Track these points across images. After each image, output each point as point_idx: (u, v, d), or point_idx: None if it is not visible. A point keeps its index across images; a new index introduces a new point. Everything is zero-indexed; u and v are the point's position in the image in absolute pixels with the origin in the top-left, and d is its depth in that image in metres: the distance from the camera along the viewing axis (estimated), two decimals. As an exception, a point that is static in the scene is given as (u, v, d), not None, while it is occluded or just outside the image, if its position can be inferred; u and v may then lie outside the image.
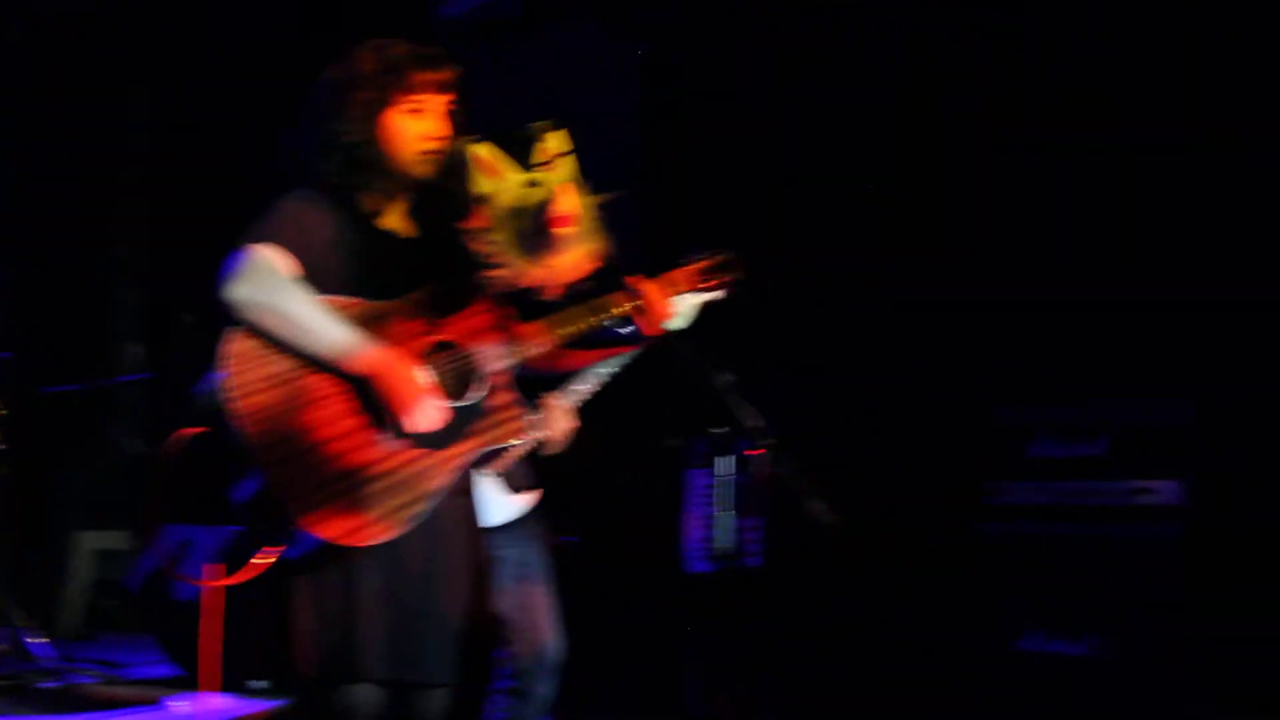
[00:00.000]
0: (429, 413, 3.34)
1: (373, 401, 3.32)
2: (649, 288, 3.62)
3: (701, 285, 3.78)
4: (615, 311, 3.57)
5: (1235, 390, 5.73)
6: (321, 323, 3.29)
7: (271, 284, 3.28)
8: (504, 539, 4.03)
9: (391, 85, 3.47)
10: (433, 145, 3.48)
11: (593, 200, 3.57)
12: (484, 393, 3.45)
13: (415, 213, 3.59)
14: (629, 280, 3.62)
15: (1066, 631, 5.59)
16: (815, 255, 6.59)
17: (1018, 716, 5.72)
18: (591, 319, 3.58)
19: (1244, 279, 6.04)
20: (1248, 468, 5.62)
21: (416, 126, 3.49)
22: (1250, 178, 6.05)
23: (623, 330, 3.65)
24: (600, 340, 3.69)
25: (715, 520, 5.74)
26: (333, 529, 3.21)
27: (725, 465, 5.62)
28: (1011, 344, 6.51)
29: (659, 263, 3.80)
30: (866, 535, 4.90)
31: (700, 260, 3.79)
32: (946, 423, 6.26)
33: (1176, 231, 6.22)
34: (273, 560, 3.31)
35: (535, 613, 4.42)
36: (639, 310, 3.57)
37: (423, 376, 3.36)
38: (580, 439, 4.26)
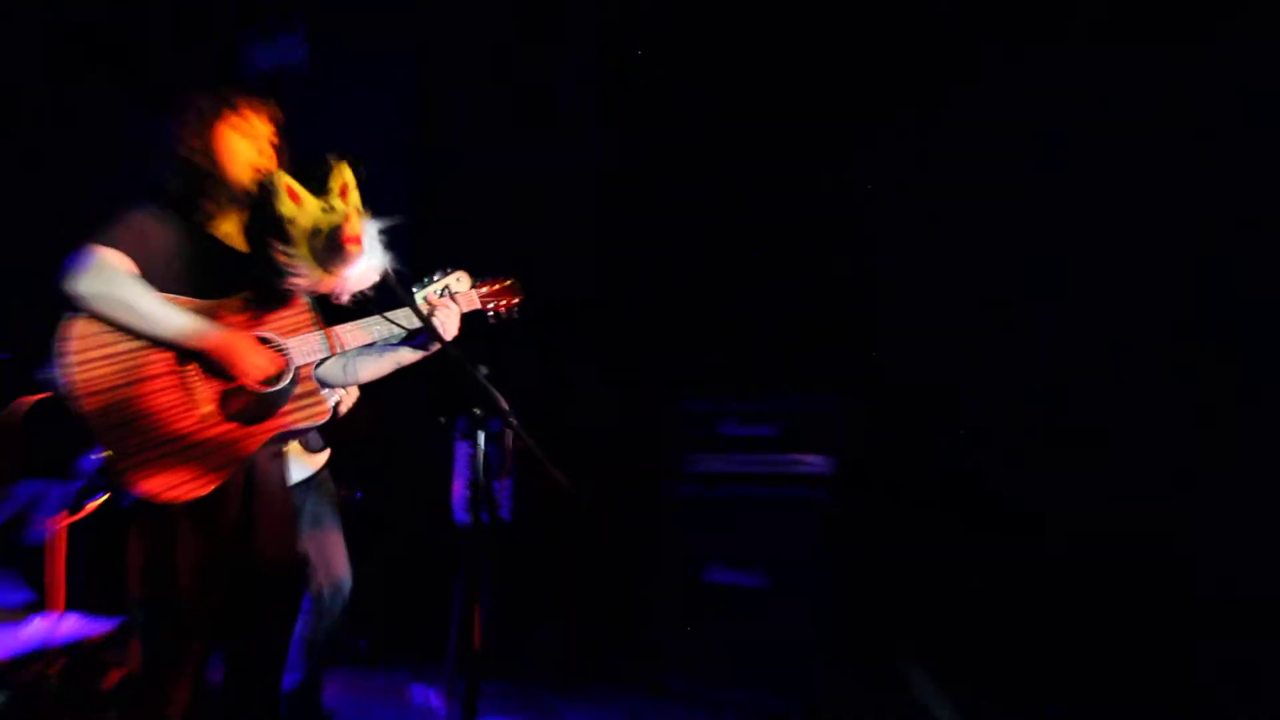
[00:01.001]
0: (256, 371, 3.18)
1: (196, 380, 3.16)
2: (439, 304, 3.57)
3: (488, 305, 3.72)
4: (410, 324, 3.46)
5: (865, 391, 5.84)
6: (164, 312, 3.13)
7: (113, 280, 3.10)
8: (302, 493, 4.03)
9: (223, 107, 3.36)
10: (258, 164, 3.36)
11: (374, 224, 3.36)
12: (292, 380, 3.27)
13: (247, 228, 3.41)
14: (428, 299, 3.60)
15: (743, 567, 5.62)
16: (549, 278, 6.53)
17: (708, 629, 5.70)
18: (392, 323, 3.46)
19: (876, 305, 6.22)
20: (874, 448, 5.73)
21: (245, 147, 3.36)
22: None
23: (414, 338, 3.53)
24: (396, 344, 3.57)
25: (474, 482, 5.68)
26: (156, 485, 3.04)
27: (482, 439, 5.57)
28: (709, 350, 6.56)
29: (419, 274, 3.74)
30: (593, 495, 4.92)
31: (487, 284, 3.75)
32: (658, 411, 6.24)
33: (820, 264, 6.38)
34: (102, 507, 3.23)
35: (330, 552, 4.48)
36: (429, 322, 3.44)
37: (252, 346, 3.22)
38: (370, 415, 4.18)
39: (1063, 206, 5.80)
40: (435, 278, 3.76)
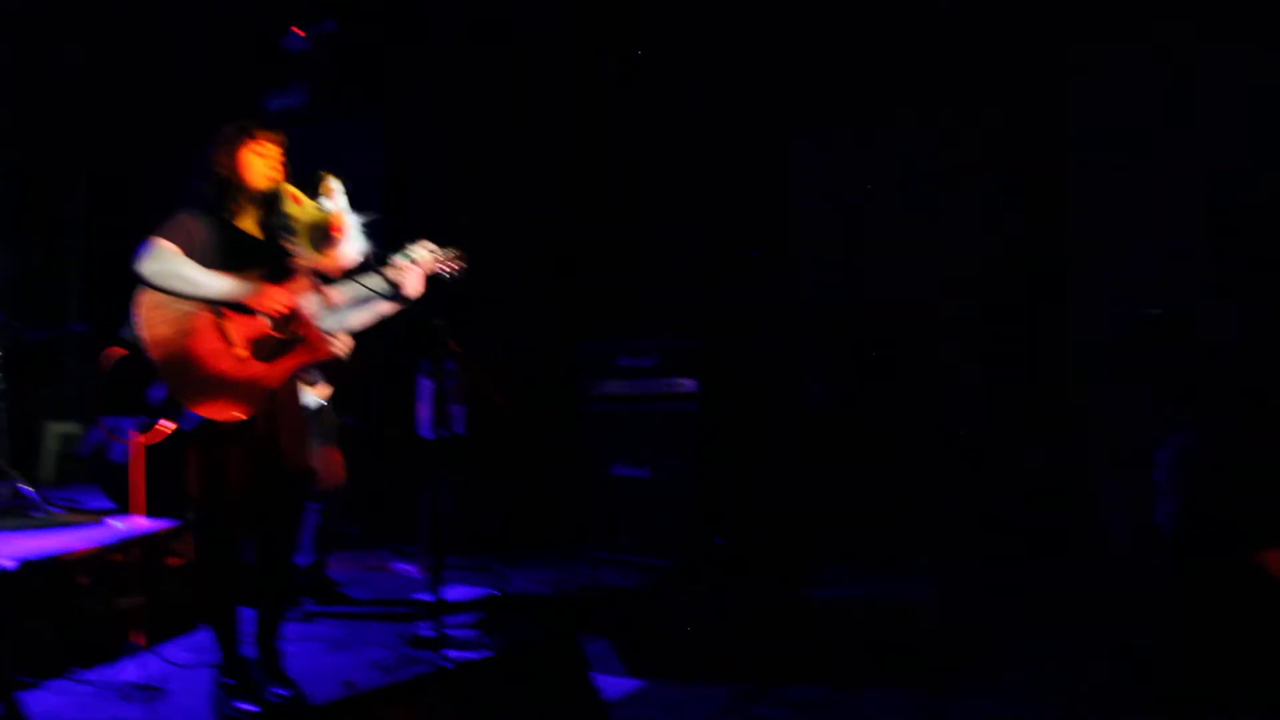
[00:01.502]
0: (283, 301, 3.42)
1: (232, 330, 3.38)
2: (405, 268, 3.71)
3: (440, 267, 3.81)
4: (383, 284, 3.67)
5: (724, 333, 6.07)
6: (207, 279, 3.36)
7: (168, 260, 3.34)
8: (311, 419, 4.16)
9: (244, 135, 3.54)
10: (270, 177, 3.57)
11: (356, 219, 3.68)
12: (303, 328, 3.53)
13: (263, 224, 3.61)
14: (395, 263, 3.73)
15: (636, 464, 5.86)
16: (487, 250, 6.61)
17: (609, 511, 5.96)
18: (367, 286, 3.68)
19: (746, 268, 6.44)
20: (731, 374, 5.96)
21: (260, 164, 3.55)
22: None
23: (388, 294, 3.72)
24: (374, 299, 3.75)
25: (437, 406, 5.94)
26: (210, 411, 3.31)
27: (441, 374, 5.80)
28: (609, 304, 6.74)
29: (398, 246, 3.87)
30: (525, 414, 5.15)
31: (440, 252, 3.83)
32: (573, 350, 6.34)
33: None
34: (172, 430, 3.40)
35: (331, 464, 4.77)
36: (399, 282, 3.67)
37: (273, 289, 3.42)
38: (358, 357, 4.44)
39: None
40: (407, 247, 3.89)
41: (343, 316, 3.72)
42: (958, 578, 5.27)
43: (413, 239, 3.91)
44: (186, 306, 3.37)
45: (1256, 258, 4.80)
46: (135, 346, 3.33)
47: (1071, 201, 5.68)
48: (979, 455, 5.79)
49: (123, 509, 5.14)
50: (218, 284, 3.39)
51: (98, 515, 4.90)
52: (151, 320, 3.33)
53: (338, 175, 3.69)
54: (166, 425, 3.41)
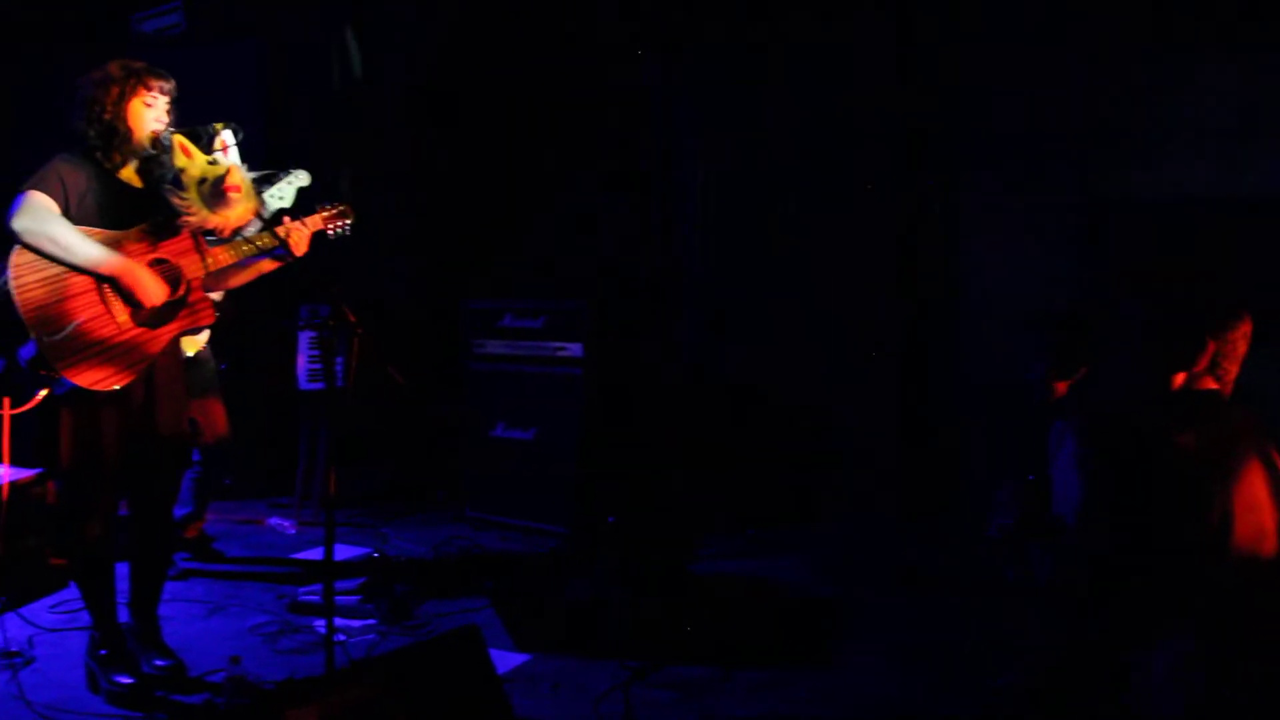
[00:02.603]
0: (156, 296, 3.30)
1: (111, 296, 3.26)
2: (293, 228, 3.60)
3: (328, 226, 3.73)
4: (271, 242, 3.54)
5: (609, 297, 6.01)
6: (81, 243, 3.20)
7: (40, 217, 3.17)
8: (190, 369, 4.09)
9: (132, 78, 3.39)
10: (158, 127, 3.42)
11: (249, 175, 3.53)
12: (186, 291, 3.40)
13: (142, 173, 3.47)
14: (285, 222, 3.61)
15: (520, 425, 5.81)
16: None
17: (490, 473, 5.87)
18: (255, 246, 3.54)
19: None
20: (612, 338, 5.84)
21: (149, 113, 3.42)
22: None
23: (275, 252, 3.60)
24: (260, 258, 3.63)
25: (315, 357, 5.81)
26: (86, 379, 3.18)
27: (320, 327, 5.71)
28: (493, 264, 6.67)
29: (293, 213, 3.78)
30: (408, 370, 5.06)
31: (327, 209, 3.73)
32: (455, 308, 6.20)
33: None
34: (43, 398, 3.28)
35: (212, 414, 4.69)
36: (285, 243, 3.54)
37: (150, 275, 3.30)
38: (235, 309, 4.29)
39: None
40: (281, 176, 3.83)
41: (225, 274, 3.60)
42: (838, 548, 5.41)
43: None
44: (61, 266, 3.22)
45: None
46: (6, 296, 3.15)
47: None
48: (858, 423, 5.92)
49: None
50: (92, 252, 3.24)
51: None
52: (24, 279, 3.16)
53: (212, 107, 3.57)
54: (36, 394, 3.38)
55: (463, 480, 6.06)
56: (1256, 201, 4.97)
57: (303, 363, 5.87)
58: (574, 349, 5.69)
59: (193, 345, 4.45)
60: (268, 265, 3.69)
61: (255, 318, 5.58)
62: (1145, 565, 2.33)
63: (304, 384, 5.86)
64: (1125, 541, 2.37)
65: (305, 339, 5.87)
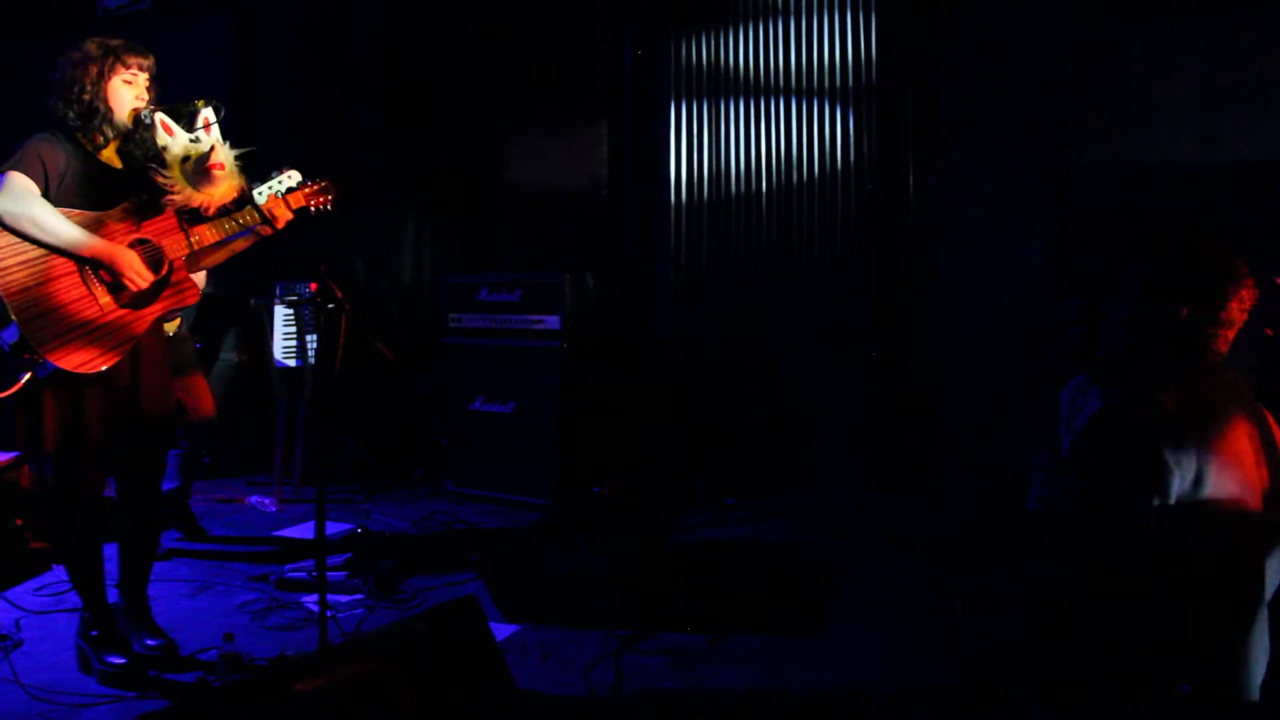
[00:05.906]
0: (139, 278, 3.28)
1: (94, 278, 3.25)
2: (275, 203, 3.58)
3: (310, 203, 3.68)
4: (255, 219, 3.49)
5: (584, 273, 5.96)
6: (63, 225, 3.18)
7: (20, 199, 3.14)
8: (171, 348, 3.97)
9: (111, 57, 3.36)
10: (138, 105, 3.40)
11: (232, 153, 3.48)
12: (168, 271, 3.38)
13: (122, 152, 3.46)
14: (268, 198, 3.59)
15: (498, 399, 5.82)
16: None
17: (472, 443, 5.88)
18: (239, 223, 3.50)
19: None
20: (580, 312, 5.79)
21: (128, 91, 3.39)
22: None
23: (257, 228, 3.54)
24: (244, 234, 3.57)
25: (292, 333, 5.81)
26: (70, 362, 3.16)
27: (299, 304, 5.76)
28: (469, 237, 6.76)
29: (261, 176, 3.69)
30: (388, 345, 5.07)
31: (308, 185, 3.69)
32: (433, 283, 6.28)
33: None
34: (28, 379, 3.23)
35: (196, 392, 4.71)
36: (267, 219, 3.49)
37: (134, 257, 3.27)
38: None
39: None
40: (273, 175, 3.74)
41: (205, 253, 3.57)
42: (818, 516, 5.46)
43: (270, 164, 3.78)
44: (42, 249, 3.20)
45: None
46: None
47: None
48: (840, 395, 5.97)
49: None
50: (75, 235, 3.21)
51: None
52: (4, 262, 3.13)
53: (215, 104, 3.49)
54: (20, 379, 3.27)
55: (442, 455, 6.05)
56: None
57: (278, 340, 5.87)
58: (552, 321, 5.70)
59: (170, 324, 4.39)
60: (240, 244, 3.65)
61: (222, 295, 5.59)
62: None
63: (280, 361, 5.85)
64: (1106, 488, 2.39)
65: (281, 315, 5.86)
